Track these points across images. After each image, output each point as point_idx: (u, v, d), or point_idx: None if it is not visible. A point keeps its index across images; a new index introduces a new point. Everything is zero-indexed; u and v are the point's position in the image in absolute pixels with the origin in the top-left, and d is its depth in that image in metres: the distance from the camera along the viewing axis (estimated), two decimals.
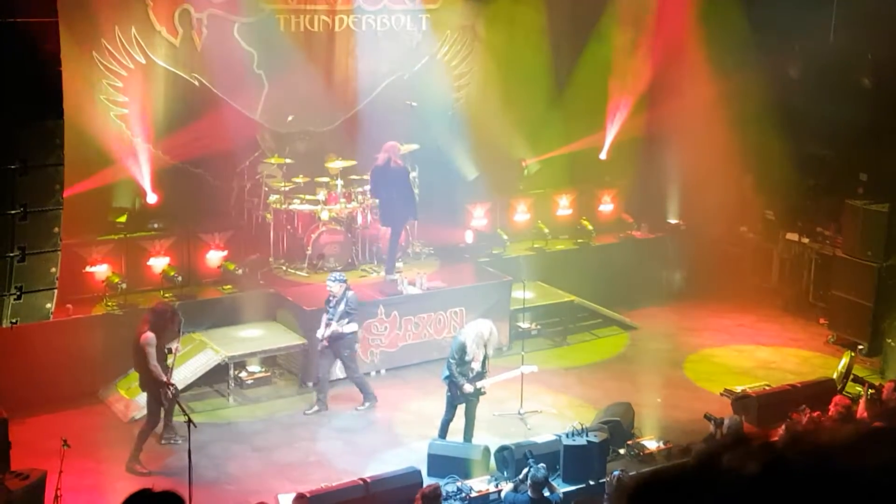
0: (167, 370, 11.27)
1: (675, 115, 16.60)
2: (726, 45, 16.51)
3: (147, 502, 2.79)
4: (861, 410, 10.94)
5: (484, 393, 11.52)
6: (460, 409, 11.54)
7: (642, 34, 17.22)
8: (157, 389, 11.19)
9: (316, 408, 12.63)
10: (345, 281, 12.63)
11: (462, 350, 11.27)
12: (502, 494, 10.13)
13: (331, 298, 12.57)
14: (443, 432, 11.57)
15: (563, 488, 10.19)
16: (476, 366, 11.33)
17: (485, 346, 11.36)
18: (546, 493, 9.57)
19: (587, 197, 17.53)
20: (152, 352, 11.11)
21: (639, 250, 17.19)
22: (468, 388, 11.28)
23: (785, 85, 16.64)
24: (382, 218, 14.78)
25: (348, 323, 12.54)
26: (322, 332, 12.56)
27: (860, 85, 16.21)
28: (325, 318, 12.60)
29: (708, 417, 10.92)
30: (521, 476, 9.87)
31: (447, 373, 11.38)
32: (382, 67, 16.13)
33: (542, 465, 9.73)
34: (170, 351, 11.39)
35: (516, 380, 12.42)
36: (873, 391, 11.30)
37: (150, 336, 11.14)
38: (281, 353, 13.56)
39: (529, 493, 9.58)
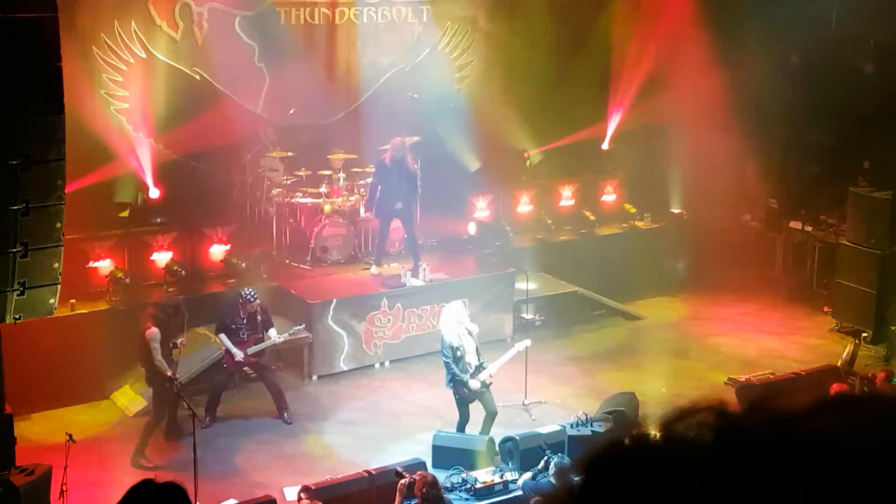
0: (172, 365, 11.28)
1: (677, 103, 16.56)
2: (728, 33, 16.47)
3: (149, 492, 2.79)
4: None
5: (491, 383, 11.46)
6: (473, 407, 11.43)
7: (644, 23, 17.18)
8: (163, 384, 11.20)
9: (208, 419, 12.04)
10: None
11: (450, 346, 11.16)
12: (520, 482, 10.12)
13: (240, 316, 12.00)
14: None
15: None
16: (471, 359, 11.22)
17: (468, 331, 11.22)
18: None
19: (590, 187, 17.50)
20: (157, 347, 11.12)
21: (642, 240, 17.16)
22: (474, 384, 11.17)
23: (787, 72, 16.60)
24: (370, 204, 14.46)
25: (271, 330, 12.25)
26: (239, 353, 11.95)
27: (862, 71, 16.19)
28: (224, 338, 12.02)
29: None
30: (540, 465, 9.90)
31: (449, 375, 11.26)
32: (384, 60, 16.12)
33: (561, 454, 9.85)
34: (175, 345, 11.39)
35: (520, 370, 12.39)
36: (866, 381, 11.28)
37: (154, 331, 11.15)
38: (285, 347, 13.54)
39: (552, 480, 9.62)
